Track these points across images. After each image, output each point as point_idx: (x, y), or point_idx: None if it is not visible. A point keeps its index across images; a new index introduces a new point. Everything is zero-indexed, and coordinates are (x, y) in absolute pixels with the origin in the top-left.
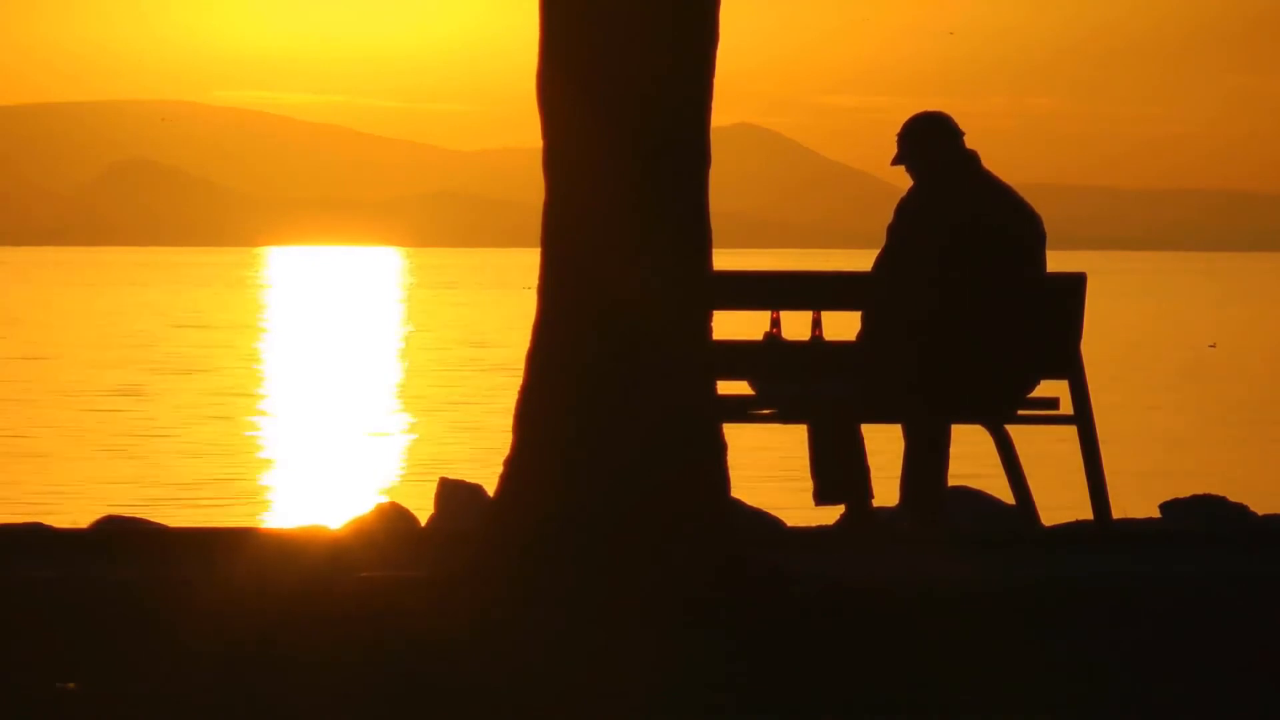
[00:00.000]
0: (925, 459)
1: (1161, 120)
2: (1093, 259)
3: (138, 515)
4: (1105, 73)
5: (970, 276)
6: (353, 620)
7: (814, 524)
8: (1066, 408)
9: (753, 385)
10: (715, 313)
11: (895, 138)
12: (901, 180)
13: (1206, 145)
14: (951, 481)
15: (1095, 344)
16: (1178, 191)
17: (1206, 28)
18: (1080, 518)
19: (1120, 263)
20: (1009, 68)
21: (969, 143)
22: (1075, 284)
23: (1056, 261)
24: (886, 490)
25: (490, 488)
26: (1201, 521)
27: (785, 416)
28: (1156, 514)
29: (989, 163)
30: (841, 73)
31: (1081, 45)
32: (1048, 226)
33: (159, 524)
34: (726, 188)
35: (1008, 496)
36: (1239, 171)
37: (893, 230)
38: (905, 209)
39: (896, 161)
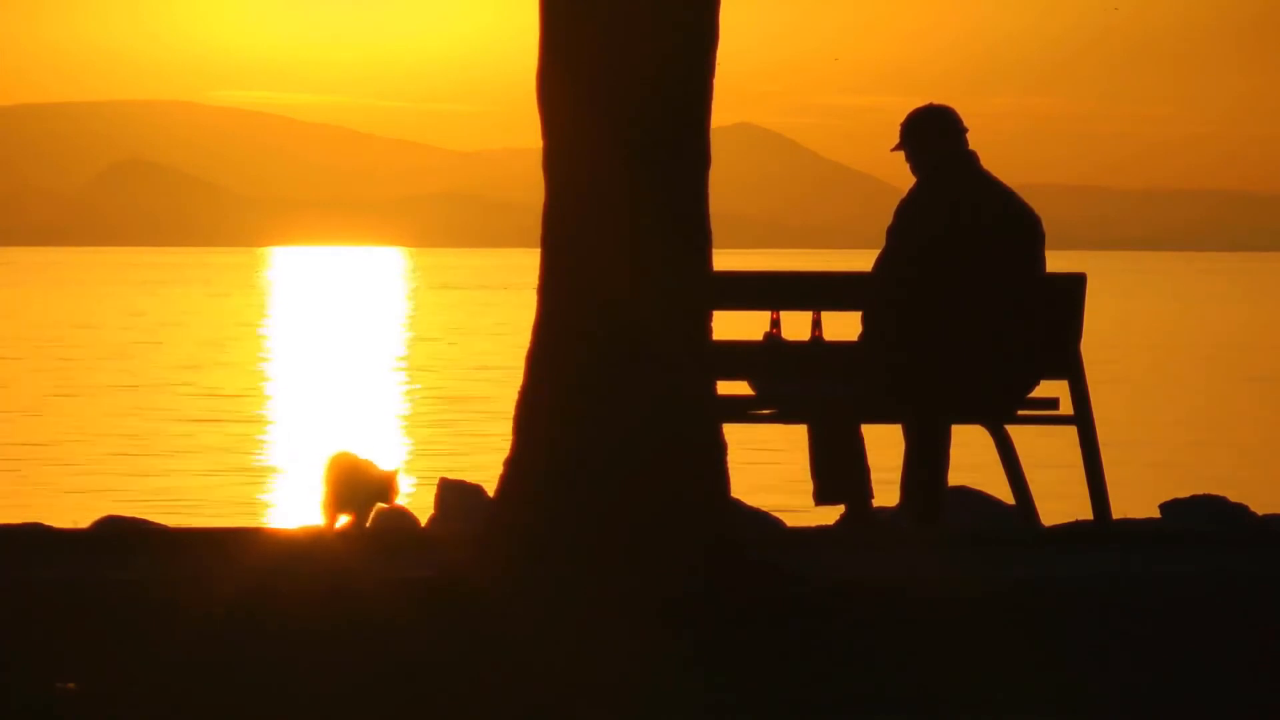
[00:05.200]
0: (925, 459)
1: (1168, 121)
2: (1095, 259)
3: (138, 515)
4: (1111, 74)
5: (968, 275)
6: (353, 620)
7: (814, 524)
8: (1066, 408)
9: (753, 385)
10: (715, 313)
11: (898, 126)
12: (902, 181)
13: (1213, 146)
14: (951, 481)
15: (1095, 344)
16: (1183, 192)
17: (1214, 29)
18: (1080, 518)
19: (1122, 263)
20: (1012, 69)
21: (973, 142)
22: (1075, 284)
23: (1057, 261)
24: (886, 490)
25: (490, 488)
26: (1201, 521)
27: (785, 416)
28: (1156, 514)
29: (994, 163)
30: (842, 73)
31: (1088, 47)
32: (1052, 227)
33: (159, 524)
34: (726, 188)
35: (1008, 496)
36: (1245, 173)
37: (892, 232)
38: (903, 212)
39: (896, 148)
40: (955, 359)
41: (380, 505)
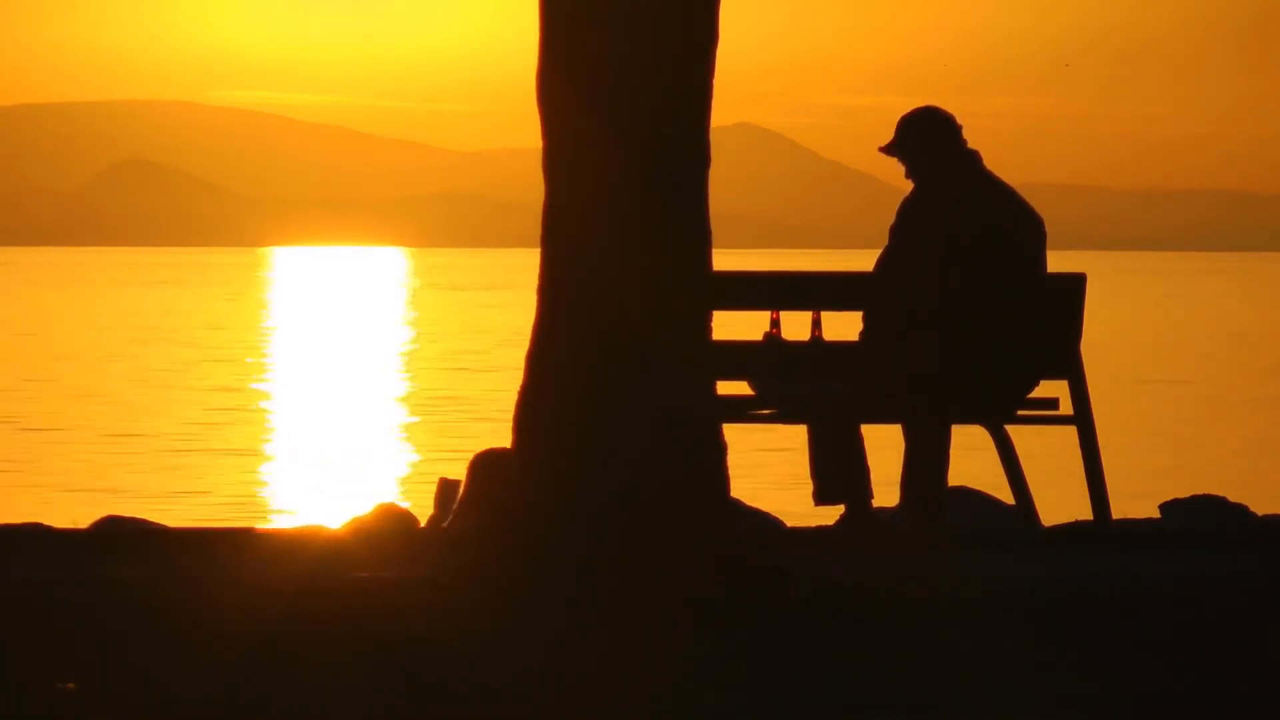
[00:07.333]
0: (925, 459)
1: (1168, 121)
2: (1095, 259)
3: (138, 515)
4: (1111, 74)
5: (971, 277)
6: (353, 620)
7: (814, 524)
8: (1066, 408)
9: (753, 385)
10: (715, 313)
11: (893, 127)
12: (902, 180)
13: (1213, 146)
14: (951, 481)
15: (1095, 344)
16: (1183, 192)
17: (1214, 29)
18: (1080, 518)
19: (1122, 263)
20: (1012, 69)
21: (973, 142)
22: (1075, 284)
23: (1058, 261)
24: (886, 490)
25: None
26: (1201, 521)
27: (785, 416)
28: (1156, 514)
29: (994, 163)
30: (843, 73)
31: (1088, 47)
32: (1052, 227)
33: (159, 524)
34: (727, 188)
35: (1008, 496)
36: (1245, 173)
37: (894, 231)
38: (907, 211)
39: (888, 150)
40: (956, 359)
41: None
